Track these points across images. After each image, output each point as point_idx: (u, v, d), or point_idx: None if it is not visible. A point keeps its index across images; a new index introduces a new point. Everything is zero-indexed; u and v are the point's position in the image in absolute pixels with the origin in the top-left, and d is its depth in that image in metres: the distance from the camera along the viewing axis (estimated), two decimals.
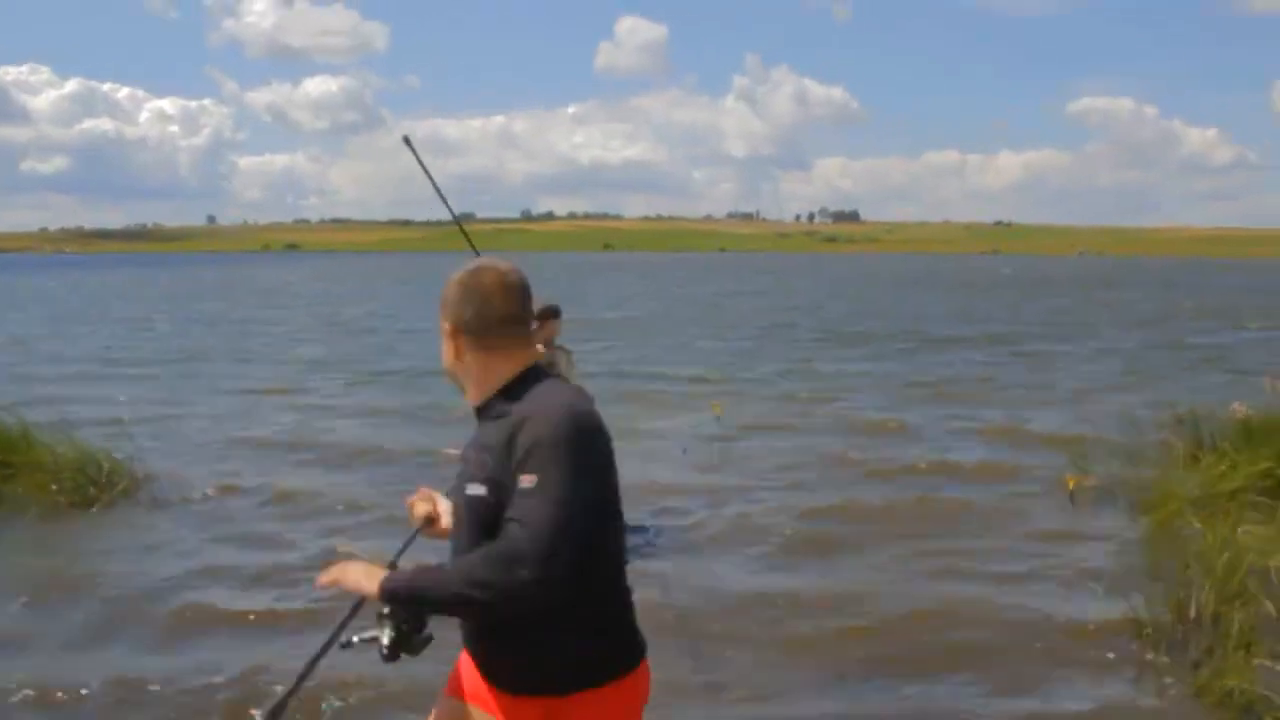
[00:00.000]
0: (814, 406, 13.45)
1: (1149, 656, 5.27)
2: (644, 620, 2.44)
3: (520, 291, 2.41)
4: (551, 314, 6.90)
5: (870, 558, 7.06)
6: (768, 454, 10.33)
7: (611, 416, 2.47)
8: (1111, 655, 5.36)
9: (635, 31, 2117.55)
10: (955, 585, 6.46)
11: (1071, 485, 8.37)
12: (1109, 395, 14.27)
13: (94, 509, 8.04)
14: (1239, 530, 6.45)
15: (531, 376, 2.38)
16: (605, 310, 34.57)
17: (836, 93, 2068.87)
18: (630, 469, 3.00)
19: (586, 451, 2.21)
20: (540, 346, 6.86)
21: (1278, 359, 18.28)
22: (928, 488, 8.92)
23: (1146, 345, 22.06)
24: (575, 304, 25.25)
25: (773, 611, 5.99)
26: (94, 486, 8.25)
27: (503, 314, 2.38)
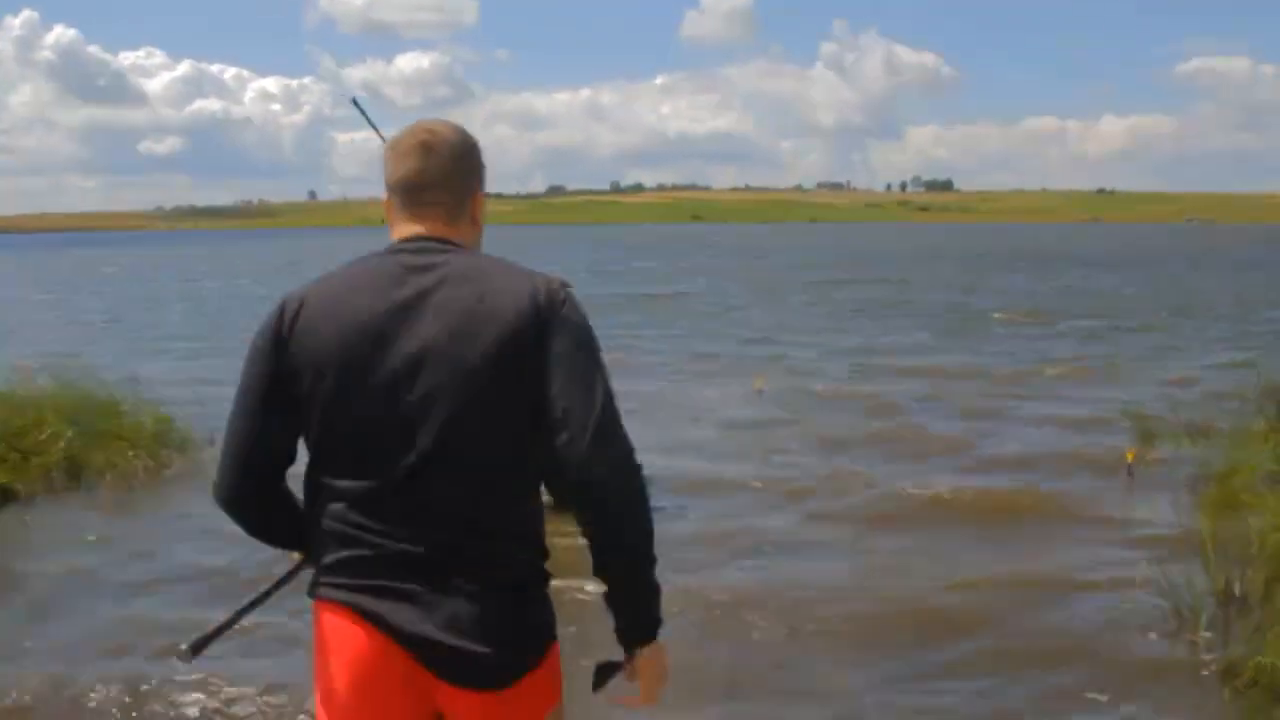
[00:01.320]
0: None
1: (1184, 634, 5.10)
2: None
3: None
4: None
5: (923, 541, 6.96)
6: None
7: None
8: (1143, 634, 5.22)
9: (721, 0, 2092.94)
10: (994, 560, 6.35)
11: (1130, 458, 8.13)
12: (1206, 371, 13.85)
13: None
14: None
15: None
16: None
17: (928, 58, 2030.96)
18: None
19: None
20: None
21: None
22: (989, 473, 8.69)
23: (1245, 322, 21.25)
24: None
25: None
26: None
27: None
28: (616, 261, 49.78)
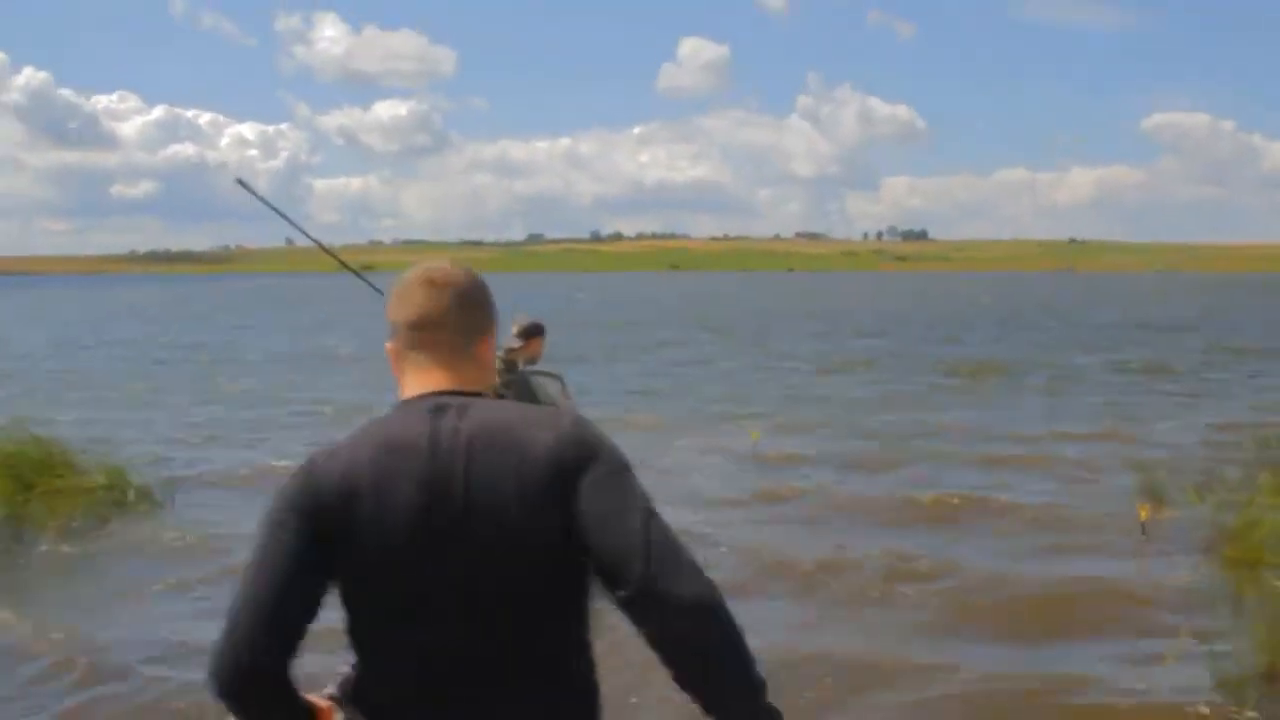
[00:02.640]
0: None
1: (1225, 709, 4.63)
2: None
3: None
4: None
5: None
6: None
7: None
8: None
9: (698, 52, 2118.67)
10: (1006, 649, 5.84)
11: (1144, 516, 7.69)
12: (1192, 417, 13.50)
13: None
14: None
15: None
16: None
17: (901, 110, 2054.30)
18: None
19: None
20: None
21: None
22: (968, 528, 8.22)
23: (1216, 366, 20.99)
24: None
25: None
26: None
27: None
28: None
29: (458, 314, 1.97)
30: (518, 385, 6.01)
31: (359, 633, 1.91)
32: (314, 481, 1.87)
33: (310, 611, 1.84)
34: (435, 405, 1.90)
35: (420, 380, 1.96)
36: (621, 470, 1.84)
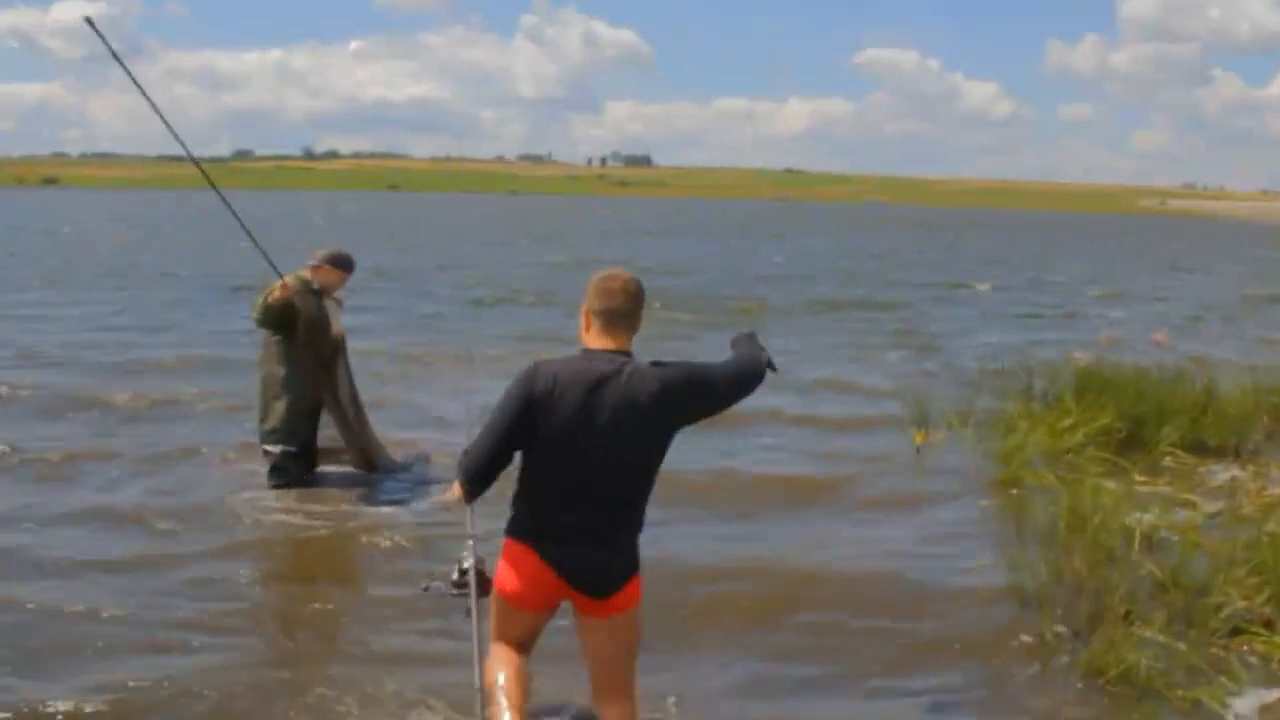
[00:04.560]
0: None
1: (1032, 631, 5.07)
2: None
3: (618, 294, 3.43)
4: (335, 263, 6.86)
5: (710, 529, 6.71)
6: None
7: None
8: (997, 628, 5.16)
9: None
10: (818, 556, 6.15)
11: (919, 441, 8.27)
12: (933, 343, 14.51)
13: None
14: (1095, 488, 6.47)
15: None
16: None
17: (626, 34, 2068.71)
18: None
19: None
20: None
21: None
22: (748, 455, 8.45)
23: (935, 295, 22.68)
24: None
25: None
26: None
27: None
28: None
29: (636, 311, 3.45)
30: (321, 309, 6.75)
31: (527, 477, 3.40)
32: (533, 380, 3.31)
33: (511, 452, 3.37)
34: (609, 359, 3.34)
35: (602, 342, 3.40)
36: (707, 373, 3.49)
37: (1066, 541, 5.91)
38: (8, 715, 4.08)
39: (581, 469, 3.29)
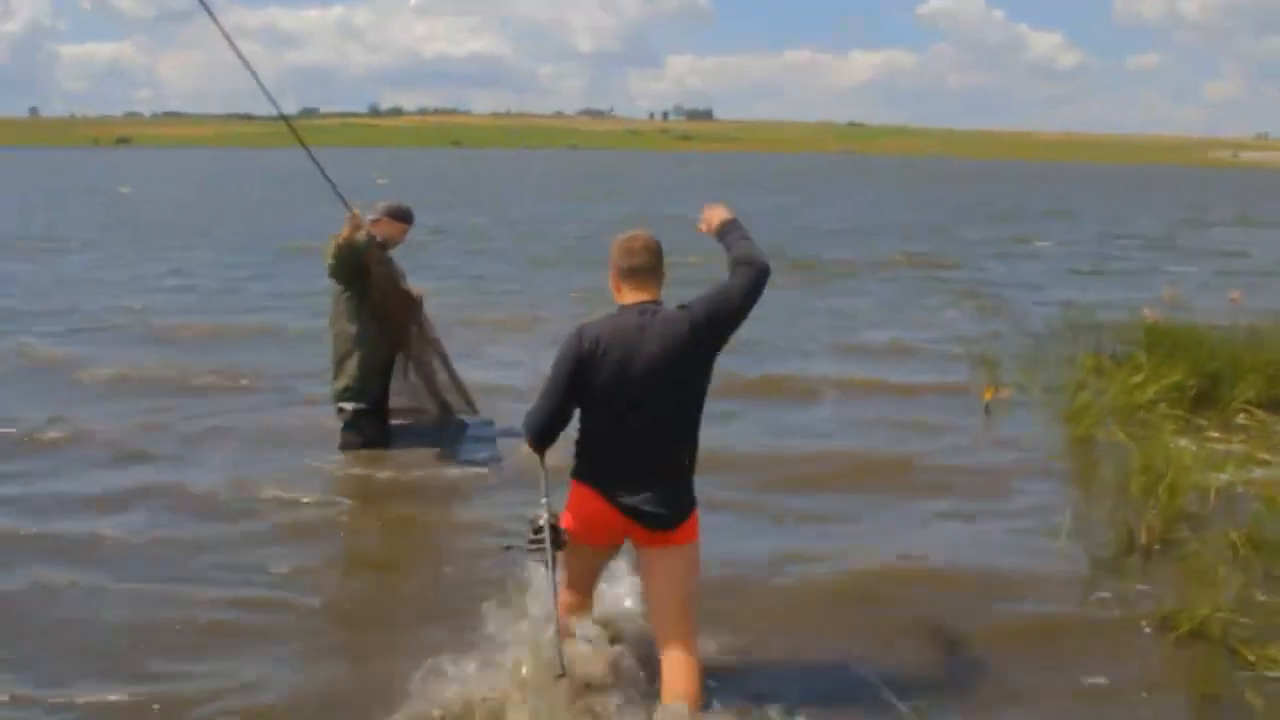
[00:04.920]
0: None
1: (1109, 589, 5.03)
2: None
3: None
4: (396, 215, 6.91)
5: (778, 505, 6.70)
6: None
7: None
8: (1067, 587, 5.11)
9: None
10: (890, 523, 6.12)
11: (988, 397, 8.18)
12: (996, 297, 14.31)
13: None
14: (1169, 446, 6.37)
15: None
16: None
17: None
18: None
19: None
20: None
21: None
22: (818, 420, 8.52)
23: (1001, 248, 22.32)
24: None
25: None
26: None
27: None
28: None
29: (660, 266, 3.82)
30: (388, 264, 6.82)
31: (587, 427, 3.78)
32: (579, 342, 3.67)
33: (571, 410, 3.75)
34: (641, 309, 3.71)
35: (635, 296, 3.76)
36: (722, 293, 3.76)
37: (1140, 500, 5.84)
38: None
39: (634, 414, 3.65)
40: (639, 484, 3.67)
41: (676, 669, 3.68)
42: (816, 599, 4.95)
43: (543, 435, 3.75)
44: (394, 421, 7.25)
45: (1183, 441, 6.71)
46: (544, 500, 3.70)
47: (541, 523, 3.66)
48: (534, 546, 3.67)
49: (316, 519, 5.91)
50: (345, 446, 6.89)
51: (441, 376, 7.20)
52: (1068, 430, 7.50)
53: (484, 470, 6.71)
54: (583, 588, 3.95)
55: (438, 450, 7.01)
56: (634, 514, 3.69)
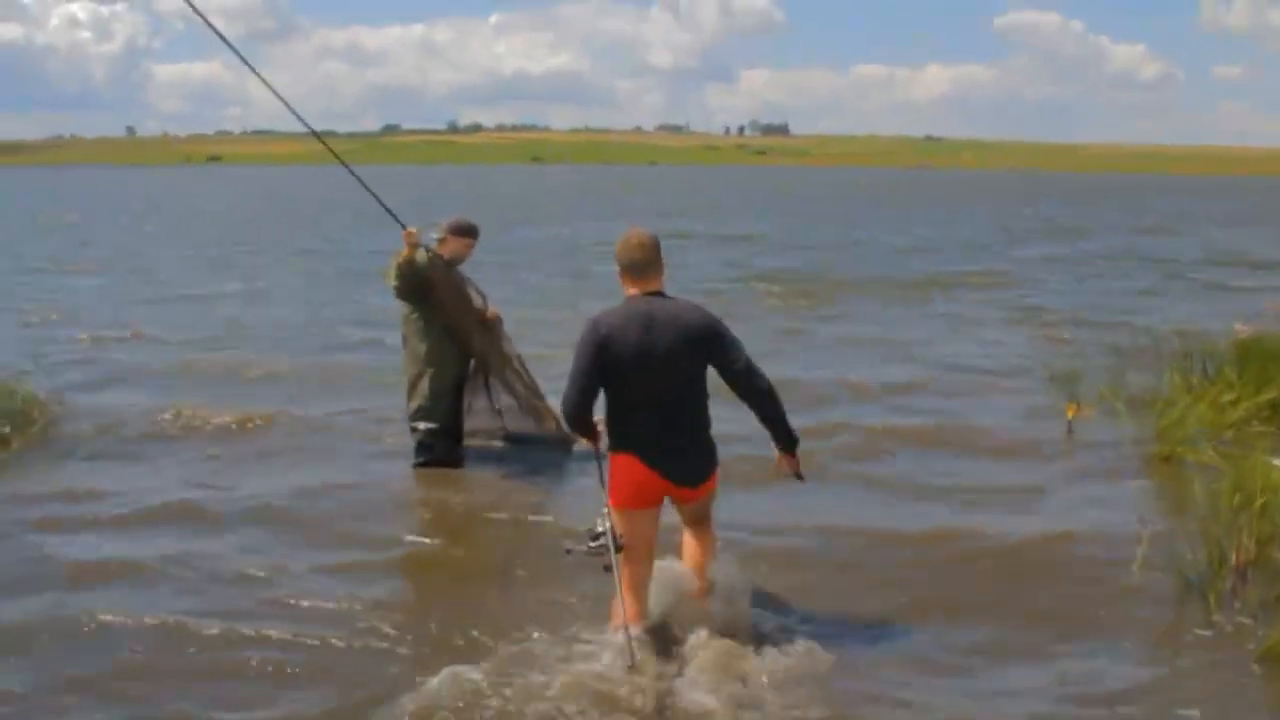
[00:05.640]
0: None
1: (1199, 614, 4.88)
2: None
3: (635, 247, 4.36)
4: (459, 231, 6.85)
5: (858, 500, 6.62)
6: None
7: None
8: (1153, 612, 4.98)
9: None
10: (973, 542, 6.01)
11: (1071, 415, 7.99)
12: (1082, 314, 14.01)
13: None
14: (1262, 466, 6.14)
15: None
16: None
17: (760, 2, 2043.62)
18: None
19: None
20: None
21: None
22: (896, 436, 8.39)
23: (1087, 263, 21.84)
24: None
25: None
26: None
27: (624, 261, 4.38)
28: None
29: (658, 260, 4.37)
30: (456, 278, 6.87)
31: (615, 404, 4.32)
32: (596, 329, 4.22)
33: (597, 389, 4.27)
34: (646, 299, 4.29)
35: (639, 287, 4.32)
36: (727, 330, 4.33)
37: (1231, 521, 5.64)
38: None
39: (652, 387, 4.23)
40: (672, 448, 4.27)
41: (690, 549, 4.61)
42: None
43: (576, 413, 4.31)
44: (471, 442, 7.25)
45: (1277, 461, 6.48)
46: (604, 510, 4.20)
47: (601, 529, 4.06)
48: (595, 551, 4.06)
49: (380, 536, 6.00)
50: (419, 465, 6.93)
51: (525, 398, 7.22)
52: (1154, 448, 7.29)
53: (549, 483, 6.78)
54: (645, 555, 4.36)
55: (507, 468, 7.05)
56: (672, 475, 4.28)
